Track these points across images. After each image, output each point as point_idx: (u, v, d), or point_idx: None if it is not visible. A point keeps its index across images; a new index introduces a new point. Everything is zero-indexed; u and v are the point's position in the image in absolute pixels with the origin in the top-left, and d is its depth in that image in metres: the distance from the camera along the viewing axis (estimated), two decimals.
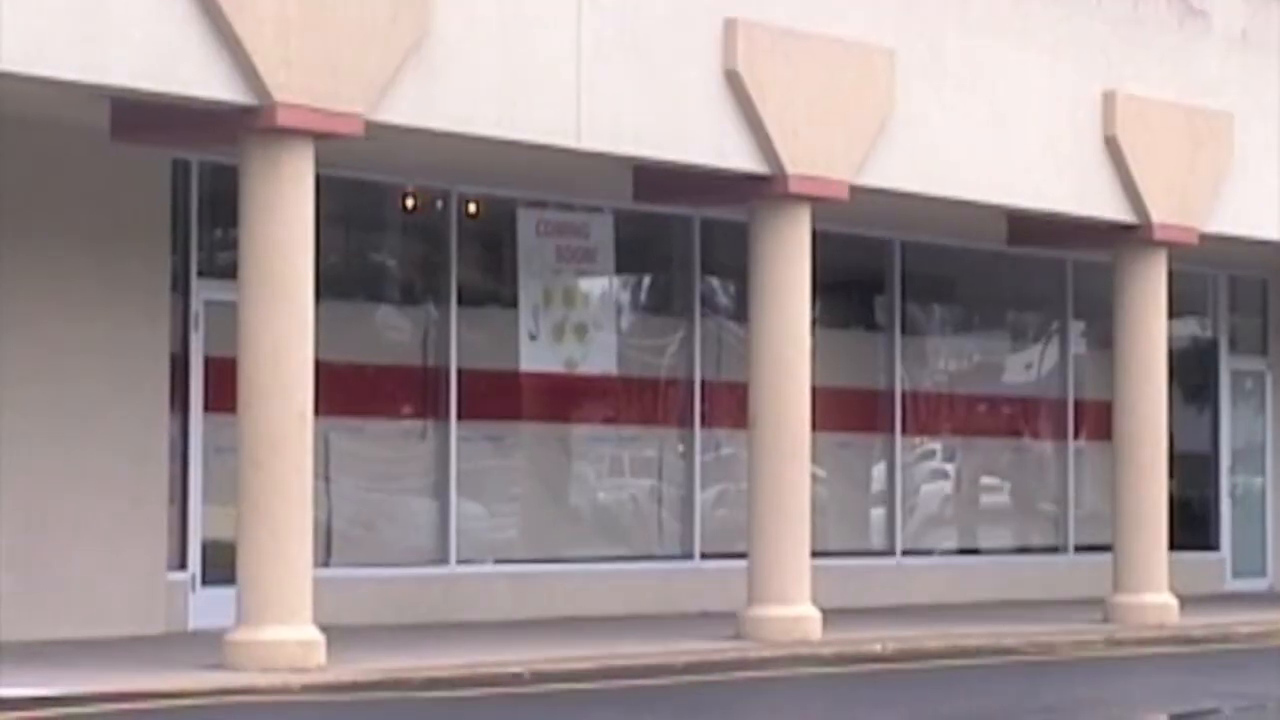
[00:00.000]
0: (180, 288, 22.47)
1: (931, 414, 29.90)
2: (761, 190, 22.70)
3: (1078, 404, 31.17)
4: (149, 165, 21.67)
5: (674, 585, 26.05)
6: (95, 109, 19.10)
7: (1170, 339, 27.32)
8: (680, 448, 27.11)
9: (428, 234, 24.95)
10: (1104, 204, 25.98)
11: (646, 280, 27.36)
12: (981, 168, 24.68)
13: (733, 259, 25.43)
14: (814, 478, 23.88)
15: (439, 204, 24.74)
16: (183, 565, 22.38)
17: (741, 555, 23.33)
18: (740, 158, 22.38)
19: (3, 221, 20.82)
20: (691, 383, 26.98)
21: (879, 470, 29.28)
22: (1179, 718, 18.76)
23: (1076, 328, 31.27)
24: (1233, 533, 33.24)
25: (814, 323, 23.49)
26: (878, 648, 22.46)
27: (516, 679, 19.24)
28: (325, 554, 21.77)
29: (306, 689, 18.00)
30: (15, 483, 20.94)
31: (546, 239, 25.82)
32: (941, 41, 24.10)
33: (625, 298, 27.17)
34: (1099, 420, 29.41)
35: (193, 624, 21.76)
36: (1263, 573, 33.34)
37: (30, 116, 19.86)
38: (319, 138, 19.13)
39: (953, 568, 29.62)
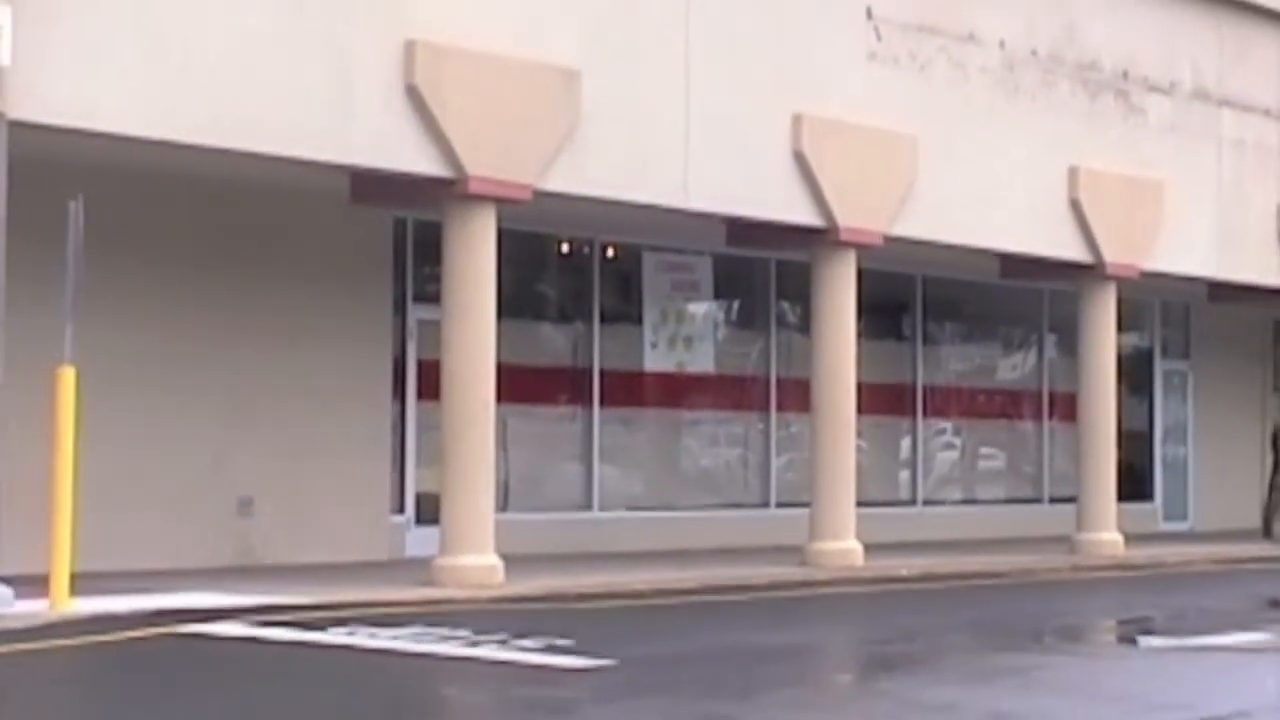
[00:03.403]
0: (399, 310, 22.54)
1: (943, 402, 29.55)
2: (819, 239, 22.63)
3: (1051, 395, 30.74)
4: (377, 221, 21.78)
5: (755, 526, 25.67)
6: (338, 180, 19.30)
7: (1119, 347, 27.18)
8: (760, 426, 26.83)
9: (577, 271, 24.87)
10: (1069, 248, 25.83)
11: (736, 304, 26.93)
12: (980, 222, 24.56)
13: (798, 289, 25.15)
14: (858, 449, 23.63)
15: (585, 249, 24.68)
16: (401, 510, 22.45)
17: (805, 504, 23.28)
18: (804, 215, 22.30)
19: (268, 265, 21.07)
20: (769, 379, 26.79)
21: (905, 443, 29.02)
22: (1124, 622, 18.65)
23: (1050, 339, 30.74)
24: (1163, 488, 32.88)
25: (858, 335, 23.16)
26: (904, 572, 22.38)
27: (643, 594, 19.25)
28: (503, 502, 21.53)
29: (490, 600, 18.00)
30: (281, 452, 21.14)
31: (663, 274, 25.72)
32: (951, 129, 23.94)
33: (720, 317, 26.84)
34: (1067, 407, 28.85)
35: (408, 553, 21.73)
36: (1185, 518, 32.94)
37: (286, 185, 20.02)
38: (499, 202, 19.17)
39: (959, 514, 29.19)
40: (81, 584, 15.89)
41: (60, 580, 15.65)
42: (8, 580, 15.48)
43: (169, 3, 16.80)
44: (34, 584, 15.56)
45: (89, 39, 16.25)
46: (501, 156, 19.08)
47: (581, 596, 18.71)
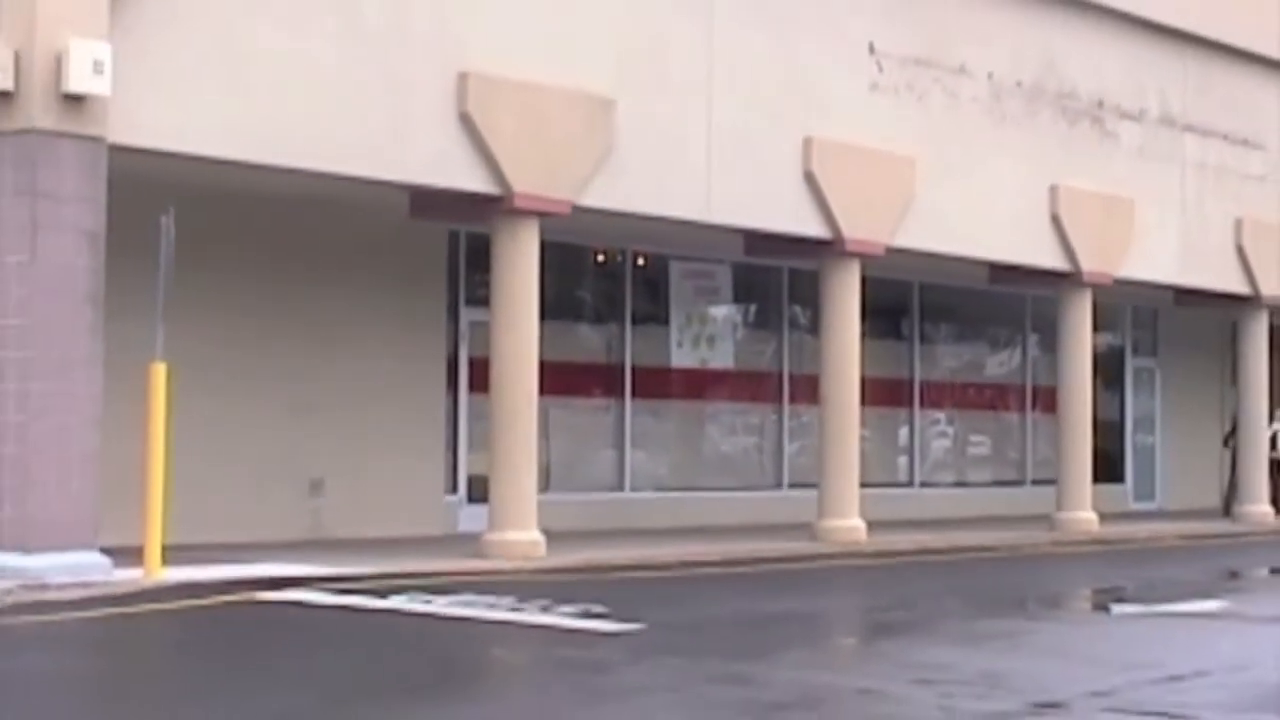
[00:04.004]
0: (453, 313, 22.53)
1: (937, 395, 29.52)
2: (827, 249, 22.61)
3: (1033, 389, 30.73)
4: (433, 233, 21.75)
5: (770, 505, 25.61)
6: (398, 196, 19.30)
7: (1094, 346, 27.23)
8: (774, 416, 26.81)
9: (610, 278, 24.84)
10: (1051, 258, 25.82)
11: (752, 308, 26.85)
12: (971, 234, 24.58)
13: (808, 294, 25.06)
14: (861, 437, 23.59)
15: (618, 258, 24.68)
16: (454, 491, 22.43)
17: (813, 486, 23.29)
18: (814, 228, 22.26)
19: (336, 273, 21.06)
20: (781, 374, 26.76)
21: (903, 431, 28.95)
22: (1099, 591, 18.63)
23: (1033, 339, 30.75)
24: (1133, 472, 32.83)
25: (862, 336, 23.14)
26: (904, 547, 22.38)
27: (669, 566, 19.28)
28: (545, 484, 21.24)
29: (533, 571, 17.99)
30: (347, 438, 21.16)
31: (687, 281, 25.67)
32: (945, 152, 23.89)
33: (738, 319, 26.76)
34: (1047, 399, 28.76)
35: (460, 529, 21.64)
36: (1153, 498, 32.88)
37: (351, 201, 19.93)
38: (541, 216, 19.16)
39: (951, 495, 29.13)
40: (171, 555, 15.99)
41: (153, 551, 15.73)
42: (108, 551, 15.56)
43: (248, 39, 16.82)
44: (130, 555, 15.63)
45: (177, 72, 16.29)
46: (544, 176, 19.09)
47: (614, 568, 18.76)
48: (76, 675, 11.87)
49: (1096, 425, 27.33)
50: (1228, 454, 31.28)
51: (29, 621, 13.57)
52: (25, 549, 15.13)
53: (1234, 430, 30.99)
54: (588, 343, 24.62)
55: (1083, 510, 26.30)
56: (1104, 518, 26.70)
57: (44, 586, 14.67)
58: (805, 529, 22.86)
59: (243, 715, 9.83)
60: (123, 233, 16.00)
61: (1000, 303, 29.78)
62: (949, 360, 29.99)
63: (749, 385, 26.65)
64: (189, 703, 10.54)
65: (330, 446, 21.05)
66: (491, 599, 15.22)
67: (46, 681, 11.49)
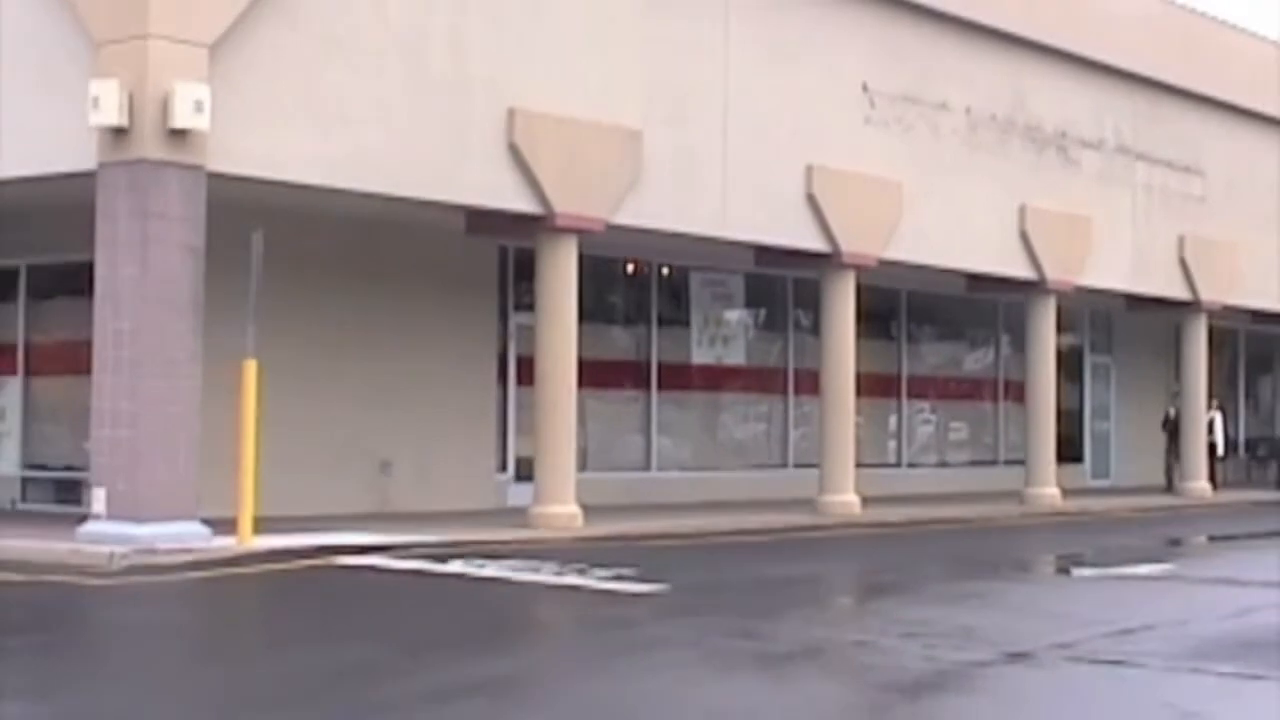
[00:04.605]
0: (503, 317, 22.48)
1: (922, 388, 29.43)
2: (827, 261, 22.59)
3: (1005, 382, 30.53)
4: (485, 248, 21.71)
5: (777, 483, 25.56)
6: (456, 217, 19.25)
7: (1057, 345, 27.15)
8: (780, 406, 26.73)
9: (639, 286, 24.69)
10: (1020, 269, 25.78)
11: (762, 312, 26.69)
12: (951, 248, 24.57)
13: (810, 300, 25.00)
14: (856, 423, 23.50)
15: (645, 269, 24.61)
16: (504, 470, 22.38)
17: (814, 466, 23.33)
18: (815, 243, 22.24)
19: (402, 282, 21.02)
20: (787, 369, 26.75)
21: (892, 419, 28.88)
22: (1061, 556, 18.59)
23: (1004, 339, 30.57)
24: (1091, 453, 32.70)
25: (857, 336, 23.06)
26: (893, 519, 22.30)
27: (690, 535, 19.28)
28: (583, 464, 21.13)
29: (572, 540, 17.97)
30: (412, 425, 21.13)
31: (705, 288, 25.58)
32: (929, 176, 23.87)
33: (749, 321, 26.60)
34: (1017, 391, 28.57)
35: (509, 503, 21.57)
36: (1108, 476, 32.70)
37: (415, 220, 19.75)
38: (579, 233, 19.17)
39: (934, 474, 29.13)
40: (261, 525, 15.97)
41: (245, 522, 15.73)
42: (207, 521, 15.61)
43: (329, 81, 16.86)
44: (225, 525, 15.65)
45: (266, 110, 16.33)
46: (581, 198, 19.08)
47: (642, 537, 18.74)
48: (180, 626, 11.99)
49: (1059, 413, 27.29)
50: (1165, 437, 31.15)
51: (140, 581, 13.71)
52: (137, 519, 15.22)
53: (1170, 417, 30.96)
54: (619, 342, 24.55)
55: (1048, 487, 26.24)
56: (1066, 493, 26.65)
57: (153, 551, 14.75)
58: (807, 503, 22.84)
59: (323, 662, 9.88)
60: (219, 248, 16.07)
61: (976, 308, 29.67)
62: (932, 357, 29.86)
63: (759, 379, 26.59)
64: (277, 650, 10.63)
65: (397, 432, 21.02)
66: (536, 564, 15.20)
67: (156, 631, 11.62)
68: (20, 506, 20.33)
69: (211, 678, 9.55)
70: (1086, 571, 16.85)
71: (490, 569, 14.78)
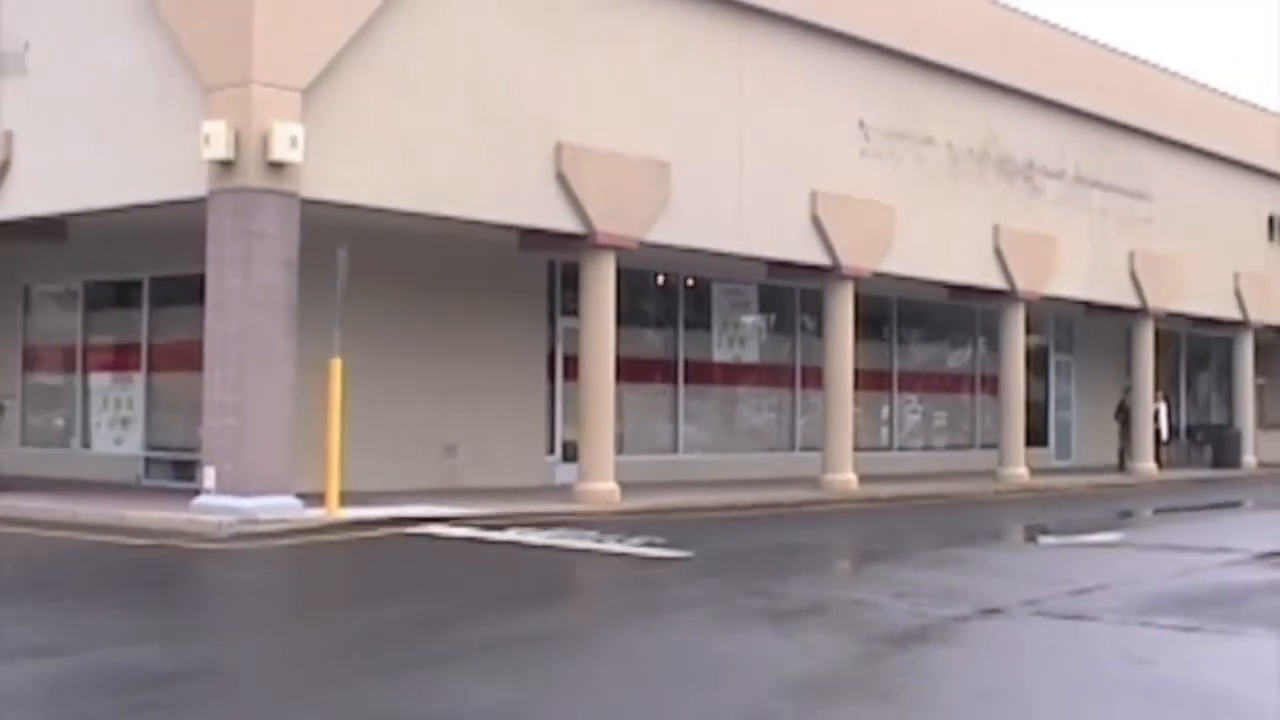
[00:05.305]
0: (551, 321, 22.26)
1: (910, 382, 29.10)
2: (829, 274, 22.47)
3: (981, 377, 30.19)
4: (536, 262, 21.60)
5: (786, 463, 25.39)
6: (510, 235, 19.12)
7: (1026, 346, 26.96)
8: (789, 397, 26.48)
9: (668, 295, 24.50)
10: (994, 280, 25.63)
11: (773, 317, 26.40)
12: (936, 263, 24.44)
13: (815, 307, 24.95)
14: (854, 413, 23.38)
15: (673, 280, 24.44)
16: (552, 452, 22.17)
17: (818, 449, 23.31)
18: (819, 258, 22.12)
19: (464, 291, 20.92)
20: (795, 367, 26.50)
21: (885, 409, 28.57)
22: (1030, 527, 18.47)
23: (981, 340, 30.13)
24: (1055, 438, 32.36)
25: (855, 338, 22.95)
26: (885, 495, 22.21)
27: (712, 509, 19.14)
28: (620, 447, 20.73)
29: (610, 513, 17.89)
30: (474, 413, 21.02)
31: (725, 297, 25.32)
32: (917, 201, 23.75)
33: (763, 325, 26.32)
34: (992, 385, 28.40)
35: (557, 481, 21.45)
36: (1070, 457, 32.36)
37: (475, 238, 19.46)
38: (617, 249, 19.08)
39: (920, 456, 28.76)
40: (346, 498, 15.99)
41: (333, 495, 15.72)
42: (300, 495, 15.64)
43: (402, 118, 16.82)
44: (316, 498, 15.70)
45: (351, 143, 16.31)
46: (619, 219, 19.04)
47: (671, 510, 18.68)
48: (278, 583, 12.02)
49: (1028, 404, 27.21)
50: (1117, 425, 31.05)
51: (244, 547, 13.73)
52: (241, 493, 15.25)
53: (1121, 406, 30.87)
54: (651, 343, 24.37)
55: (1018, 467, 26.08)
56: (1033, 472, 26.52)
57: (255, 521, 14.76)
58: (812, 481, 22.82)
59: (398, 614, 9.87)
60: (310, 263, 16.06)
61: (957, 313, 29.37)
62: (919, 356, 29.58)
63: (770, 374, 26.36)
64: (358, 604, 10.66)
65: (461, 420, 20.95)
66: (579, 533, 15.17)
67: (257, 587, 11.68)
68: (144, 482, 20.42)
69: (304, 626, 9.59)
70: (1051, 539, 16.72)
71: (540, 537, 14.75)
